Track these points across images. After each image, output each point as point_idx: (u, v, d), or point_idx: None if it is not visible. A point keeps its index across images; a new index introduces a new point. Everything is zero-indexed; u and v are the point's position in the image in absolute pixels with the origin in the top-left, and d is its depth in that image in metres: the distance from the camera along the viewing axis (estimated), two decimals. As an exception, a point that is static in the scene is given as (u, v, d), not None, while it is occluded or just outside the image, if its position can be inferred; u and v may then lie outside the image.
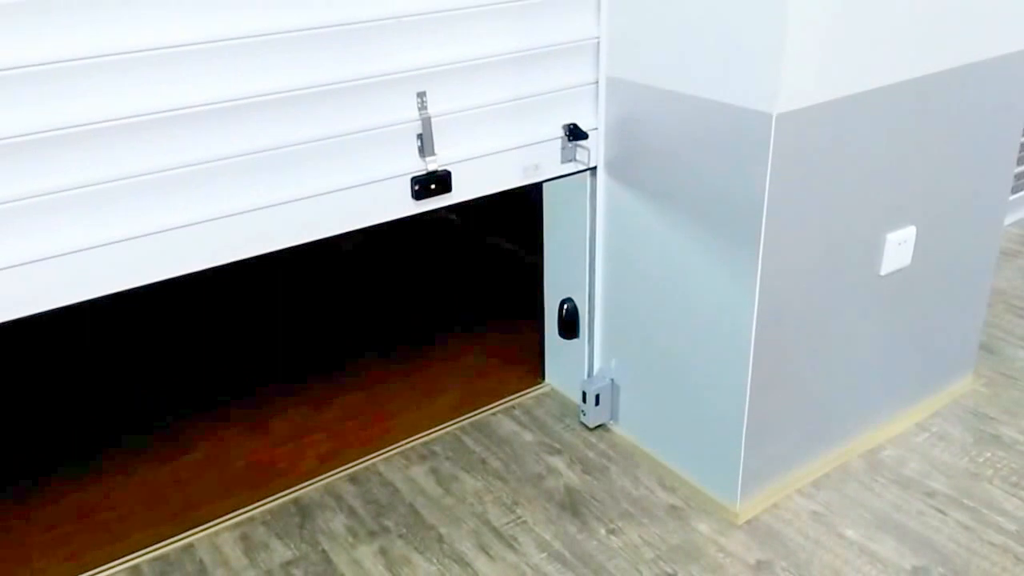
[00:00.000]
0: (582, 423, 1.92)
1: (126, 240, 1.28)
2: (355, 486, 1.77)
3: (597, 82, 1.68)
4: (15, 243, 1.21)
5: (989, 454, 1.82)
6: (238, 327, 2.45)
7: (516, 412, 1.99)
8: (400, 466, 1.82)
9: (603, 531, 1.64)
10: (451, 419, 1.97)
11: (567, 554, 1.59)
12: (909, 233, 1.67)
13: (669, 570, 1.55)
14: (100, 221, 1.26)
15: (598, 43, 1.65)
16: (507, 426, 1.94)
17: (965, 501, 1.69)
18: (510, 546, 1.61)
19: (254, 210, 1.37)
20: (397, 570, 1.56)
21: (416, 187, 1.53)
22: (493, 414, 1.99)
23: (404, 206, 1.54)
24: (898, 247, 1.66)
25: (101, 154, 1.23)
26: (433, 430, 1.93)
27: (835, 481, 1.75)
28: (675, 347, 1.67)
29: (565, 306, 1.91)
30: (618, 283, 1.77)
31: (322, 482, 1.78)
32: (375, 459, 1.84)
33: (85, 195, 1.23)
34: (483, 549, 1.60)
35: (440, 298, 2.57)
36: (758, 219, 1.42)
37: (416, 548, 1.61)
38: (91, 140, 1.21)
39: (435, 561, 1.58)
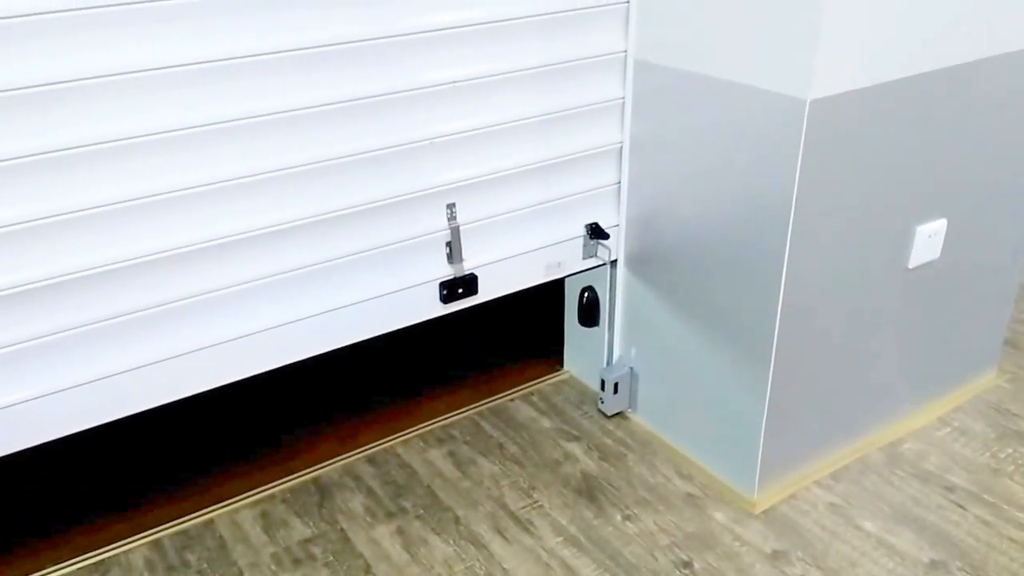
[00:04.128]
0: (600, 410, 1.92)
1: (190, 352, 1.39)
2: (373, 467, 1.78)
3: (619, 183, 1.74)
4: (102, 358, 1.33)
5: (1011, 450, 1.80)
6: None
7: (534, 398, 2.00)
8: (418, 449, 1.83)
9: (619, 517, 1.64)
10: (469, 404, 1.97)
11: (583, 539, 1.59)
12: (940, 226, 1.65)
13: (684, 557, 1.55)
14: (165, 338, 1.37)
15: (621, 147, 1.70)
16: (525, 412, 1.95)
17: (985, 496, 1.68)
18: (526, 530, 1.62)
19: (295, 321, 1.47)
20: (414, 550, 1.57)
21: (444, 291, 1.60)
22: (511, 400, 1.99)
23: (432, 309, 1.62)
24: (928, 240, 1.64)
25: (175, 278, 1.34)
26: (451, 414, 1.94)
27: (854, 473, 1.74)
28: (696, 336, 1.67)
29: (586, 294, 1.91)
30: (639, 271, 1.77)
31: (341, 462, 1.80)
32: (393, 441, 1.86)
33: (145, 318, 1.34)
34: (499, 532, 1.61)
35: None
36: (787, 207, 1.41)
37: (433, 529, 1.62)
38: (158, 267, 1.32)
39: (452, 543, 1.59)
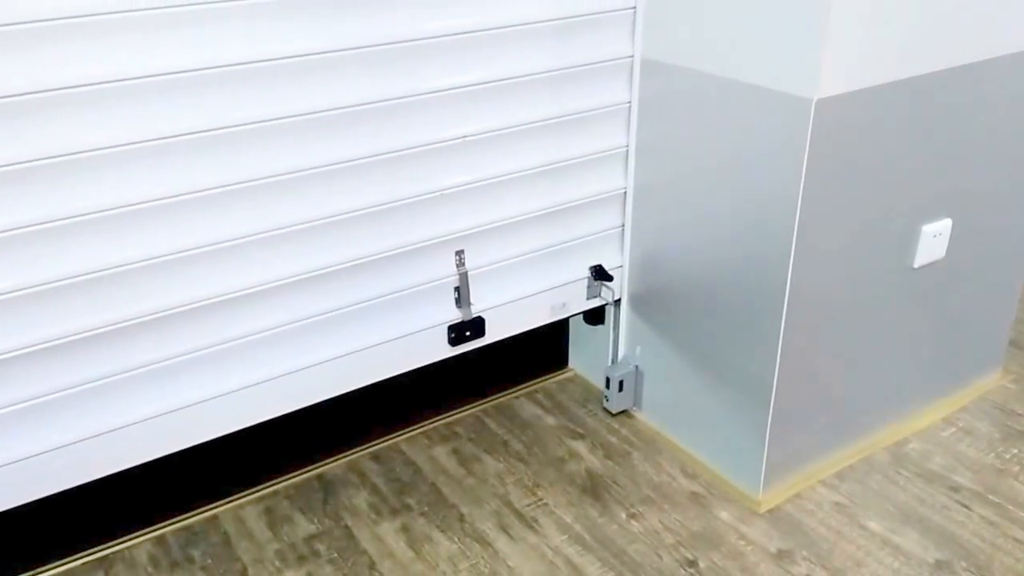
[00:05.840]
0: (605, 408, 1.92)
1: (211, 399, 1.45)
2: (378, 464, 1.78)
3: (623, 225, 1.78)
4: (137, 402, 1.39)
5: (1016, 450, 1.80)
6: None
7: (539, 396, 2.00)
8: (423, 446, 1.83)
9: (624, 515, 1.64)
10: (474, 401, 1.97)
11: (587, 537, 1.59)
12: (945, 225, 1.65)
13: (689, 556, 1.55)
14: (189, 385, 1.42)
15: (625, 192, 1.74)
16: (530, 410, 1.95)
17: (990, 496, 1.68)
18: (531, 527, 1.62)
19: (310, 367, 1.52)
20: (419, 547, 1.57)
21: (452, 335, 1.63)
22: (516, 397, 1.99)
23: (440, 351, 1.66)
24: (933, 239, 1.64)
25: (197, 329, 1.39)
26: (456, 411, 1.94)
27: (859, 473, 1.74)
28: (702, 335, 1.66)
29: (591, 291, 1.91)
30: (646, 270, 1.77)
31: (345, 459, 1.80)
32: (398, 438, 1.86)
33: (171, 367, 1.39)
34: (504, 530, 1.61)
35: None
36: (793, 207, 1.41)
37: (438, 526, 1.62)
38: (181, 320, 1.37)
39: (456, 540, 1.59)
